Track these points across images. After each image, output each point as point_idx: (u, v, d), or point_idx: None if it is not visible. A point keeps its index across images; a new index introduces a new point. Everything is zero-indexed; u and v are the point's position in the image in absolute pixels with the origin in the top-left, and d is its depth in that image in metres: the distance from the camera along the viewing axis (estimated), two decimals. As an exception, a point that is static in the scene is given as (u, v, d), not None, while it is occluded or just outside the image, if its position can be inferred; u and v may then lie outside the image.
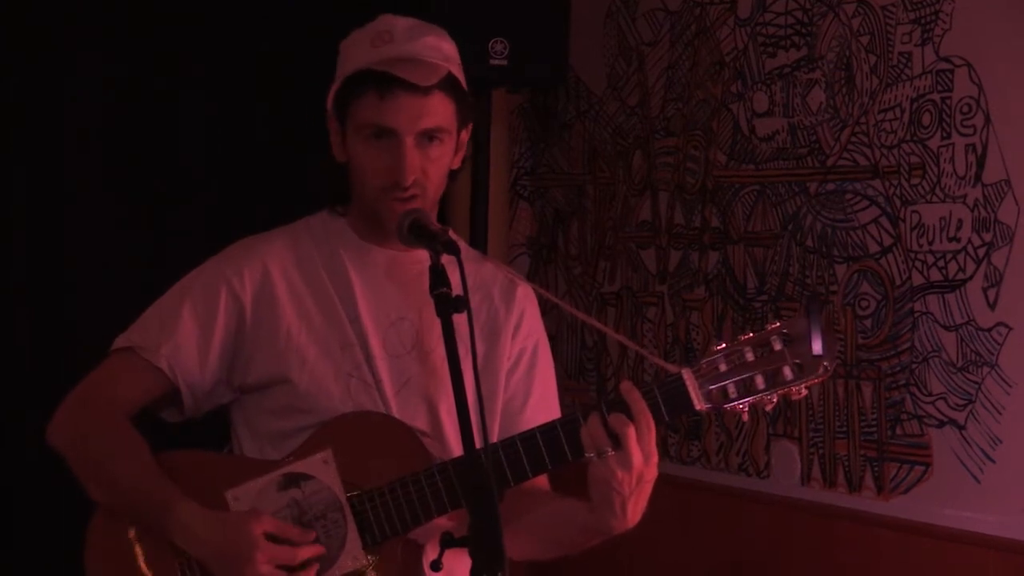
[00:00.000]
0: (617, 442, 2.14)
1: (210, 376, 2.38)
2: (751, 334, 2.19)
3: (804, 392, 2.18)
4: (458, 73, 2.36)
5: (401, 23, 2.35)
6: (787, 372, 2.16)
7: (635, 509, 2.18)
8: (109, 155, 3.82)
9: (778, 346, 2.16)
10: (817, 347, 2.14)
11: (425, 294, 2.31)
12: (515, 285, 2.48)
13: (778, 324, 2.18)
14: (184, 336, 2.36)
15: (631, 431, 2.13)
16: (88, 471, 2.36)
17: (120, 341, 2.41)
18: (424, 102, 2.30)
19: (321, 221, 2.45)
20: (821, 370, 2.16)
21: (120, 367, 2.40)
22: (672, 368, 2.21)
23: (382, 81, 2.28)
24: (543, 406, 2.46)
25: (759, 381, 2.17)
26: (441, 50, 2.35)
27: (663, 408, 2.17)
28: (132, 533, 2.34)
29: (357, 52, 2.33)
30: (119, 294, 3.65)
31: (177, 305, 2.39)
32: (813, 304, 2.21)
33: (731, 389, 2.18)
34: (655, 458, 2.17)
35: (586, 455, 2.16)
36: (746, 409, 2.20)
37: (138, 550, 2.33)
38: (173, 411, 2.43)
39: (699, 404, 2.18)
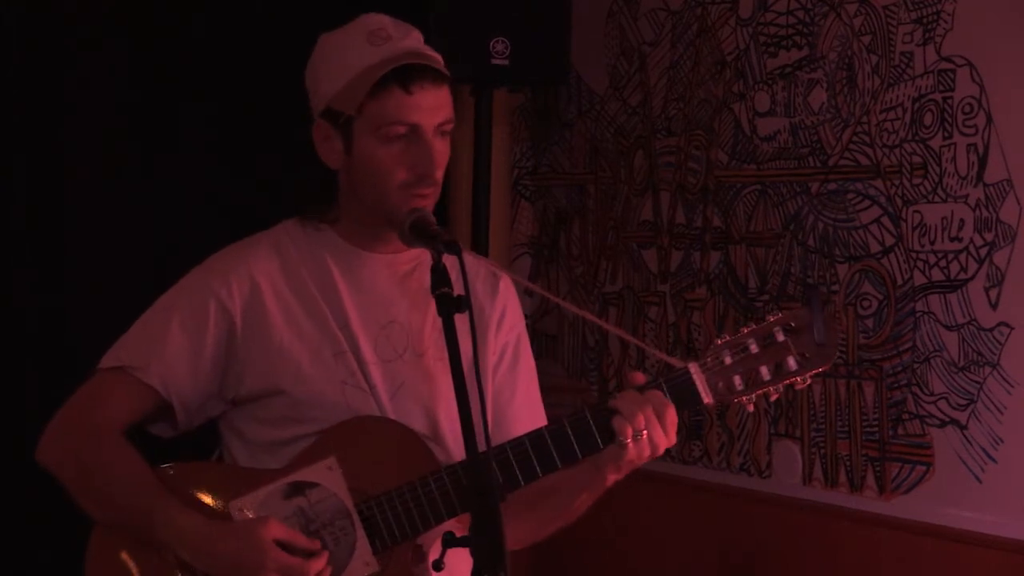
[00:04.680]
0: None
1: (202, 390, 2.33)
2: (753, 326, 2.22)
3: (808, 381, 2.21)
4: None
5: (387, 20, 2.32)
6: (791, 363, 2.20)
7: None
8: (109, 154, 3.82)
9: (781, 337, 2.20)
10: (820, 336, 2.18)
11: (413, 295, 2.29)
12: (497, 278, 2.45)
13: (780, 315, 2.22)
14: (175, 352, 2.31)
15: (671, 411, 2.17)
16: (83, 488, 2.30)
17: (108, 360, 2.35)
18: (440, 95, 2.28)
19: (301, 227, 2.39)
20: (825, 359, 2.19)
21: (110, 386, 2.34)
22: (677, 363, 2.22)
23: (406, 76, 2.24)
24: (527, 403, 2.44)
25: (764, 372, 2.20)
26: (424, 43, 2.33)
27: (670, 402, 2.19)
28: (132, 549, 2.26)
29: (355, 52, 2.28)
30: (120, 295, 3.65)
31: (165, 320, 2.33)
32: (813, 294, 2.24)
33: (737, 381, 2.21)
34: (673, 430, 2.20)
35: (619, 440, 2.16)
36: (752, 400, 2.21)
37: (140, 567, 2.26)
38: (164, 426, 2.37)
39: (707, 398, 2.20)
